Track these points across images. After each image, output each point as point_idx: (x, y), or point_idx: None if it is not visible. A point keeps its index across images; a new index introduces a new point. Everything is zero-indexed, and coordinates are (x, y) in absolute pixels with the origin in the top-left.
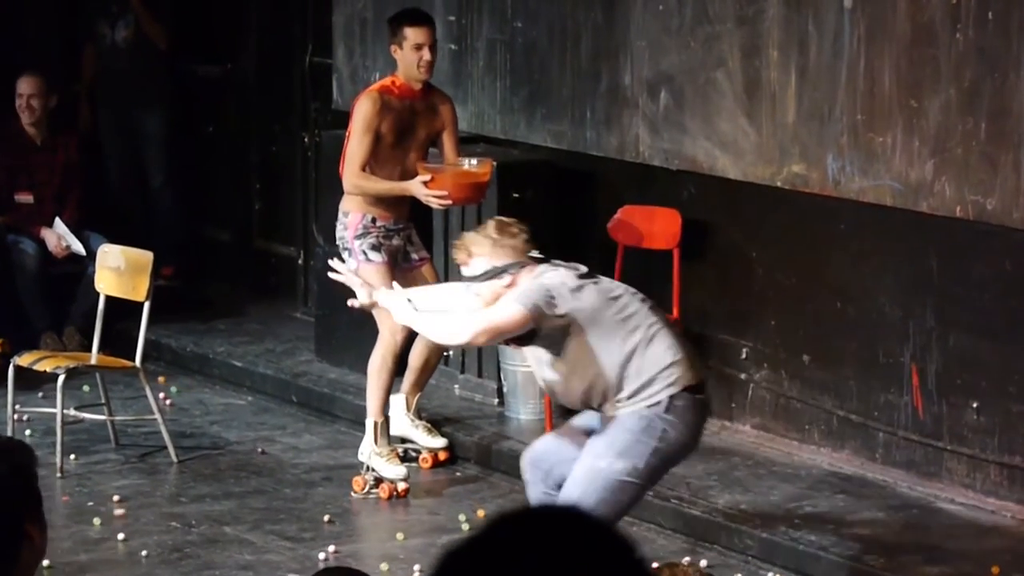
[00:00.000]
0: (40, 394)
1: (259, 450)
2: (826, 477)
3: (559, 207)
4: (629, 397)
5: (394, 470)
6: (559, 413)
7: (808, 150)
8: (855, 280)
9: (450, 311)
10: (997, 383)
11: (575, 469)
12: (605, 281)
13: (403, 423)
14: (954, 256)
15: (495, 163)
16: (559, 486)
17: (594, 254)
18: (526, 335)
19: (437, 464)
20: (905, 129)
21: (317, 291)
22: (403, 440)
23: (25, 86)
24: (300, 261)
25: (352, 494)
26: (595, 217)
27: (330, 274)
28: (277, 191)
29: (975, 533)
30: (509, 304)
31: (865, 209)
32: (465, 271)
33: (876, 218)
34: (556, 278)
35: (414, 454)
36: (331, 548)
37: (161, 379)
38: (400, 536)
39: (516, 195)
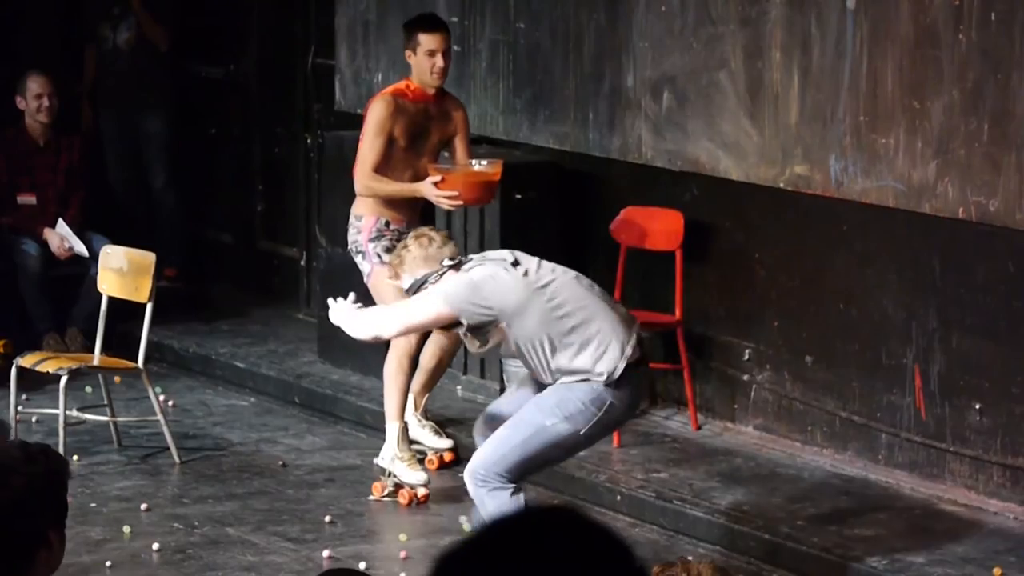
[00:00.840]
0: (41, 395)
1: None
2: (829, 478)
3: (562, 208)
4: (574, 376)
5: (416, 475)
6: None
7: (811, 151)
8: (858, 281)
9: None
10: (1000, 384)
11: (519, 417)
12: (535, 269)
13: (410, 424)
14: (957, 257)
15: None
16: None
17: (597, 255)
18: (454, 326)
19: (443, 466)
20: (908, 130)
21: (320, 292)
22: (409, 441)
23: (40, 85)
24: (303, 262)
25: (370, 498)
26: (598, 218)
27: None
28: (280, 192)
29: (978, 535)
30: (430, 298)
31: (868, 210)
32: (402, 288)
33: (879, 219)
34: (482, 272)
35: (420, 456)
36: (326, 553)
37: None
38: (403, 537)
39: (519, 196)
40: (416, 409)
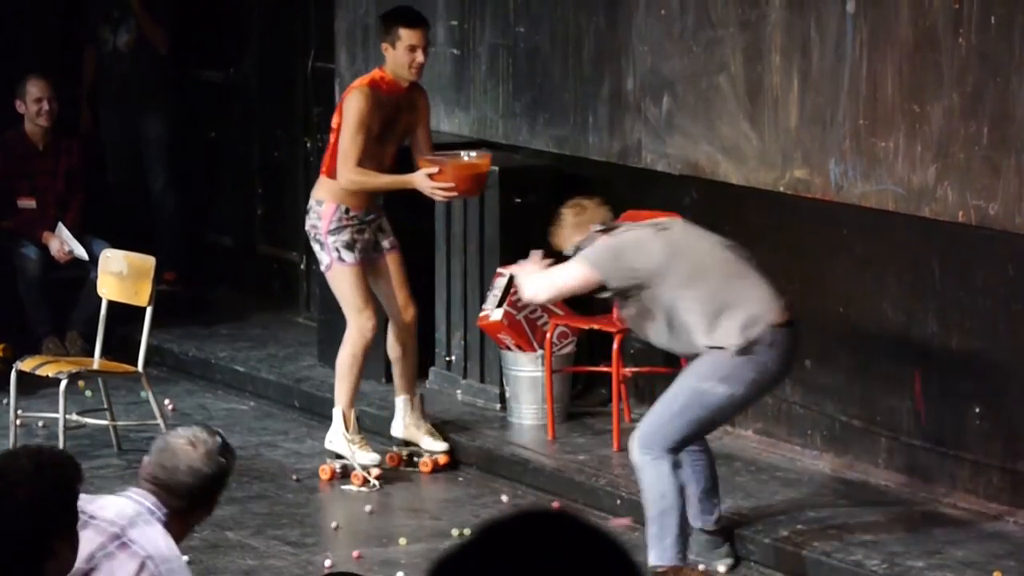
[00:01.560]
0: (41, 399)
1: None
2: (828, 482)
3: None
4: (724, 337)
5: (368, 456)
6: (561, 418)
7: (810, 155)
8: (857, 285)
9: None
10: (999, 388)
11: (677, 384)
12: (680, 232)
13: (408, 425)
14: (956, 261)
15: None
16: None
17: None
18: (602, 291)
19: (437, 469)
20: (907, 134)
21: (319, 296)
22: (406, 443)
23: (39, 89)
24: (302, 266)
25: (320, 483)
26: None
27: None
28: (279, 196)
29: (978, 538)
30: (575, 263)
31: (867, 214)
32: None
33: (878, 223)
34: (627, 236)
35: (415, 458)
36: (327, 562)
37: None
38: (403, 541)
39: (518, 200)
40: (412, 408)
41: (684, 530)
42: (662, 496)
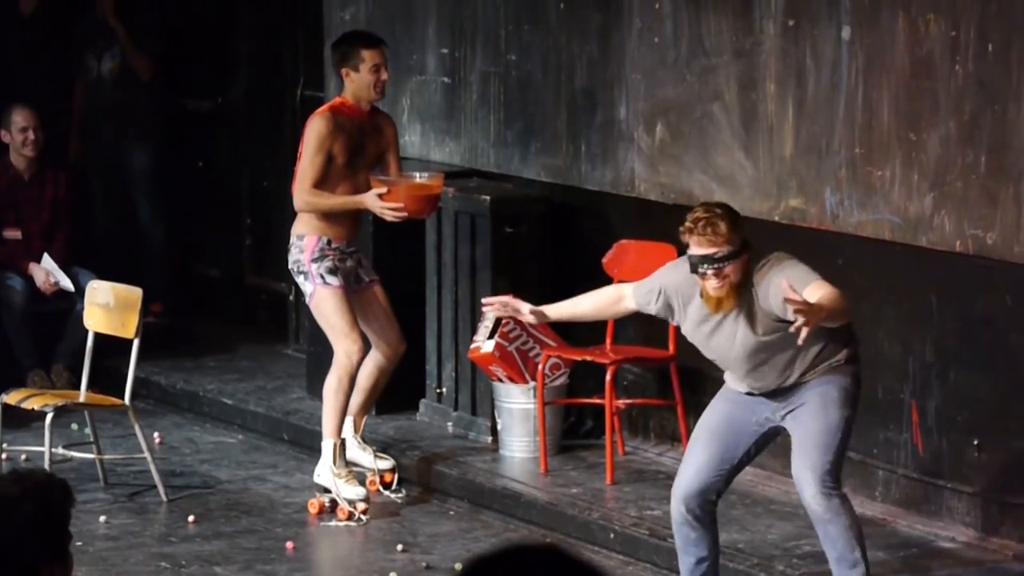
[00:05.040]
0: (27, 433)
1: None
2: None
3: (554, 242)
4: (844, 358)
5: (355, 490)
6: (553, 451)
7: (806, 184)
8: (853, 315)
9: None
10: (998, 420)
11: (822, 421)
12: None
13: (350, 445)
14: (954, 291)
15: (444, 175)
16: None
17: (589, 289)
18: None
19: (385, 485)
20: (904, 162)
21: (308, 327)
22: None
23: (24, 118)
24: (291, 297)
25: (309, 517)
26: (590, 252)
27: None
28: (268, 226)
29: (976, 572)
30: (819, 280)
31: (864, 244)
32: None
33: (875, 253)
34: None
35: (360, 477)
36: None
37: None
38: None
39: (510, 230)
40: (356, 431)
41: None
42: (861, 532)
